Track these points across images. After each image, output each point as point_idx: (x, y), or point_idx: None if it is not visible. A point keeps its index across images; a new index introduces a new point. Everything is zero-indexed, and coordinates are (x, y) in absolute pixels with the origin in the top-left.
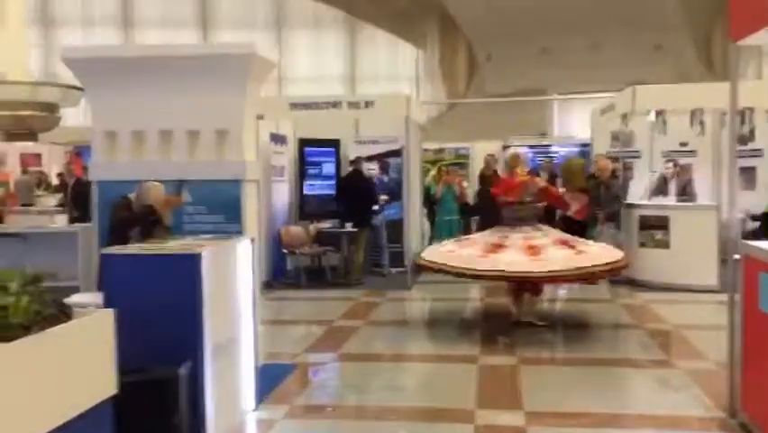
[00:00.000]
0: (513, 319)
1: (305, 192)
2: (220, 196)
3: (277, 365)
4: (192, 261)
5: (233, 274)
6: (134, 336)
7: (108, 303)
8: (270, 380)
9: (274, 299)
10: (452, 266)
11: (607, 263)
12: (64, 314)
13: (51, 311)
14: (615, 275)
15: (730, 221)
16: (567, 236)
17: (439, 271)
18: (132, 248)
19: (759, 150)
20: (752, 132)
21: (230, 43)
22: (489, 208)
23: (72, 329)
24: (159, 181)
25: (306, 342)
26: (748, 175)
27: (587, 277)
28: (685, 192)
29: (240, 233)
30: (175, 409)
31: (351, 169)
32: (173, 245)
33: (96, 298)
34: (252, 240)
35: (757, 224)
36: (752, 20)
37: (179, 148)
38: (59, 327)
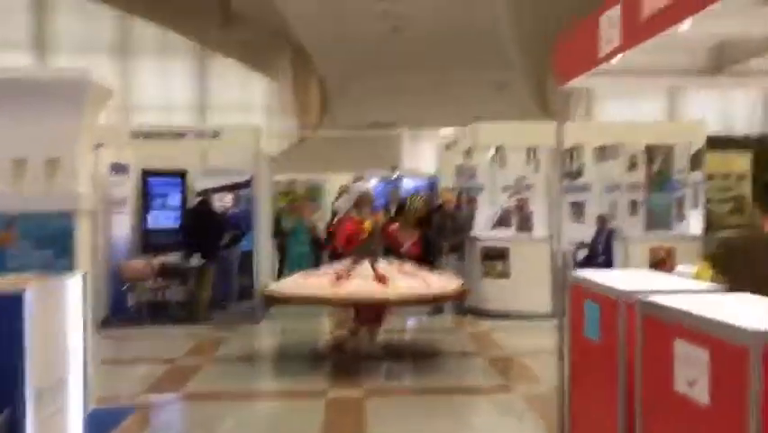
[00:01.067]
0: (354, 347)
1: (148, 224)
2: (49, 229)
3: (112, 409)
4: (14, 302)
5: (62, 313)
6: None
7: None
8: (103, 425)
9: (113, 338)
10: (301, 295)
11: (446, 291)
12: None
13: None
14: (456, 300)
15: (558, 252)
16: (411, 267)
17: (287, 301)
18: None
19: (588, 184)
20: (581, 168)
21: (64, 68)
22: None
23: None
24: None
25: (147, 382)
26: (579, 208)
27: (429, 302)
28: (525, 225)
29: (71, 268)
30: None
31: (197, 201)
32: None
33: None
34: (85, 275)
35: (585, 251)
36: (572, 67)
37: (3, 177)
38: None
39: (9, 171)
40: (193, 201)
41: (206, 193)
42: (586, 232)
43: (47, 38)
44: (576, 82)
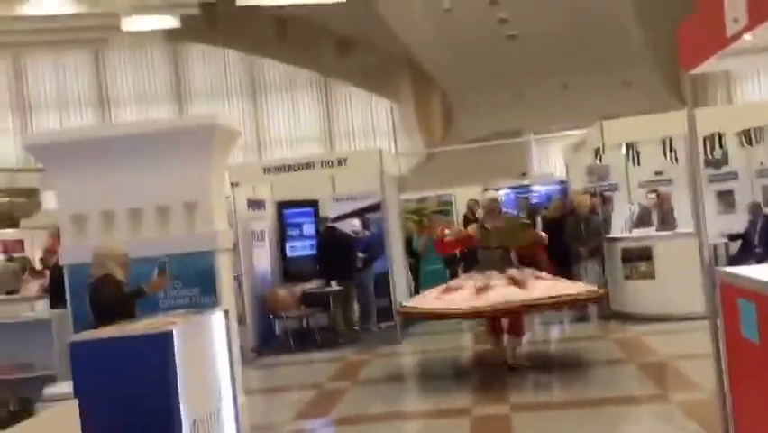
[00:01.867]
0: (498, 361)
1: (287, 254)
2: (193, 268)
3: None
4: (163, 340)
5: (208, 348)
6: (106, 424)
7: (77, 391)
8: None
9: (263, 367)
10: (445, 309)
11: (586, 292)
12: (25, 411)
13: (9, 409)
14: (597, 302)
15: (704, 246)
16: (546, 274)
17: (427, 316)
18: (100, 332)
19: (734, 172)
20: (725, 155)
21: (190, 116)
22: (471, 254)
23: (32, 427)
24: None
25: (296, 408)
26: (727, 198)
27: (570, 303)
28: (666, 221)
29: (214, 304)
30: None
31: (324, 228)
32: (142, 325)
33: (70, 387)
34: (227, 312)
35: (738, 243)
36: (699, 50)
37: (149, 225)
38: (17, 426)
39: (154, 218)
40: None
41: (335, 220)
42: (737, 222)
43: (183, 89)
44: (705, 66)
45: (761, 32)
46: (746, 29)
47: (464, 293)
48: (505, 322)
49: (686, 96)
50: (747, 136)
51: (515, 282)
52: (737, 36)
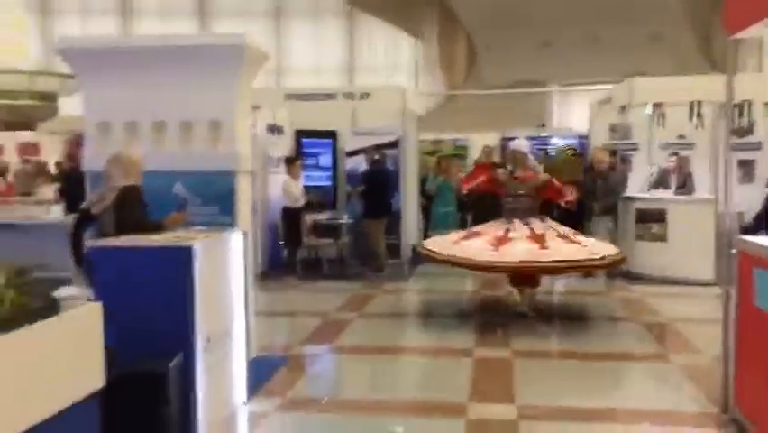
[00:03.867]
0: (514, 310)
1: (302, 183)
2: (213, 187)
3: (269, 358)
4: (184, 254)
5: (225, 267)
6: (124, 330)
7: (98, 296)
8: (263, 372)
9: (270, 290)
10: (461, 258)
11: (605, 256)
12: (51, 308)
13: (38, 304)
14: (612, 268)
15: (725, 214)
16: (566, 229)
17: (444, 262)
18: (122, 240)
19: (758, 143)
20: (751, 125)
21: (221, 34)
22: (484, 201)
23: (59, 323)
24: (152, 172)
25: (301, 334)
26: (747, 168)
27: (588, 269)
28: (685, 185)
29: (232, 225)
30: (165, 402)
31: (372, 161)
32: (164, 237)
33: (86, 291)
34: (245, 233)
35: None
36: (747, 13)
37: (173, 139)
38: (45, 321)
39: (177, 133)
40: (343, 160)
41: (351, 154)
42: (755, 194)
43: (206, 5)
44: (750, 31)
45: None
46: None
47: (480, 242)
48: None
49: (728, 62)
50: None
51: (535, 239)
52: None
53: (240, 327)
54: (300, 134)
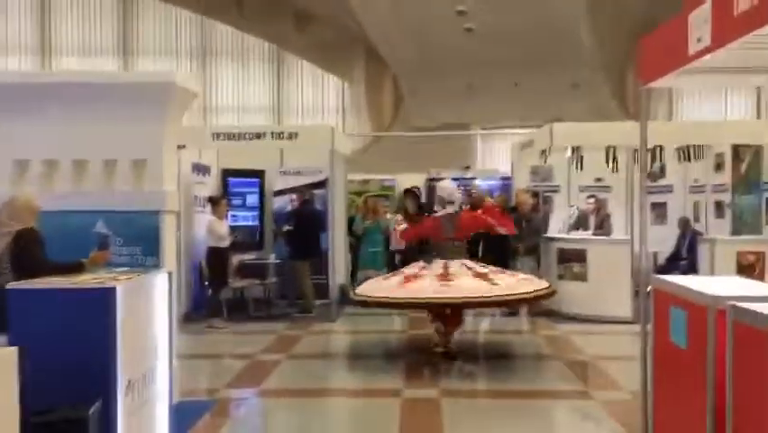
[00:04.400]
0: (435, 349)
1: (228, 223)
2: (136, 227)
3: (194, 402)
4: (106, 296)
5: (149, 309)
6: (42, 375)
7: (14, 341)
8: (187, 418)
9: (194, 333)
10: (374, 298)
11: (549, 286)
12: None
13: None
14: (534, 303)
15: (641, 254)
16: (485, 269)
17: (383, 305)
18: (40, 282)
19: (669, 186)
20: (662, 169)
21: (149, 72)
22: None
23: None
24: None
25: (226, 377)
26: (660, 210)
27: (500, 304)
28: (602, 226)
29: (157, 266)
30: None
31: (301, 201)
32: (85, 279)
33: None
34: (170, 274)
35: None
36: (659, 65)
37: (95, 177)
38: None
39: (100, 172)
40: (270, 201)
41: (278, 194)
42: (667, 234)
43: (129, 44)
44: (662, 81)
45: (721, 55)
46: (708, 50)
47: (425, 282)
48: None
49: (640, 108)
50: (686, 152)
51: (479, 275)
52: (699, 55)
53: (163, 371)
54: (227, 174)
